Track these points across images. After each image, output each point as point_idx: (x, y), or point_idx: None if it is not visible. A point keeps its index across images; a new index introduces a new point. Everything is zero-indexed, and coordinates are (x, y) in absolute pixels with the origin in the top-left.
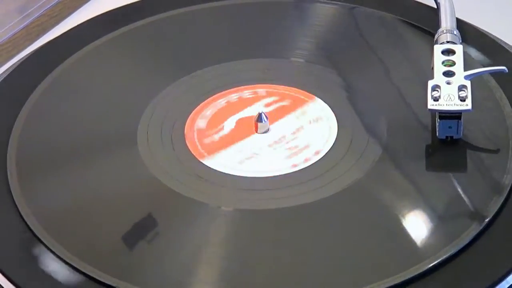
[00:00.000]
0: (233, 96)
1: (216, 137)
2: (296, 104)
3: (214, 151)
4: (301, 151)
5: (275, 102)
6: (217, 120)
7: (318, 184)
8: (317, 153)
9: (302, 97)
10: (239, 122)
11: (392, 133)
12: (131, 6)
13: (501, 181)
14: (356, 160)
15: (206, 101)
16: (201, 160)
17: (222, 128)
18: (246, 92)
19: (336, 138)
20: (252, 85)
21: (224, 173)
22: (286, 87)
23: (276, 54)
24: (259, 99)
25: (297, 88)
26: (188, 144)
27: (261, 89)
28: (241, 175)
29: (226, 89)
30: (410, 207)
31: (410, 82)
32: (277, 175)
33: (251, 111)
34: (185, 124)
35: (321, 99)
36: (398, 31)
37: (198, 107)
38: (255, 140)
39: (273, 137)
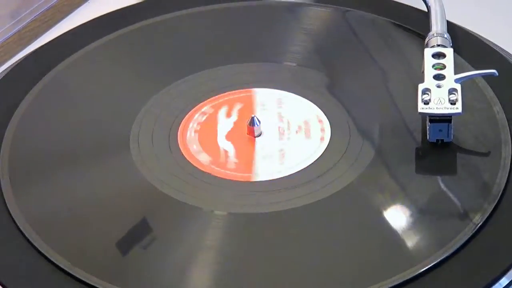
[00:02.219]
0: (193, 125)
1: (233, 158)
2: (248, 102)
3: (250, 168)
4: (308, 126)
5: (231, 109)
6: (212, 148)
7: (311, 189)
8: (320, 121)
9: (243, 94)
10: (229, 138)
11: (384, 137)
12: (123, 11)
13: (492, 185)
14: (348, 164)
15: (180, 126)
16: (253, 180)
17: (227, 150)
18: (198, 116)
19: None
20: (196, 107)
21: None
22: (222, 94)
23: (269, 58)
24: (216, 115)
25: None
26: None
27: (206, 107)
28: (289, 173)
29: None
30: (401, 212)
31: (402, 85)
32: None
33: (225, 126)
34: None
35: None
36: (390, 35)
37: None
38: (263, 142)
39: (274, 132)
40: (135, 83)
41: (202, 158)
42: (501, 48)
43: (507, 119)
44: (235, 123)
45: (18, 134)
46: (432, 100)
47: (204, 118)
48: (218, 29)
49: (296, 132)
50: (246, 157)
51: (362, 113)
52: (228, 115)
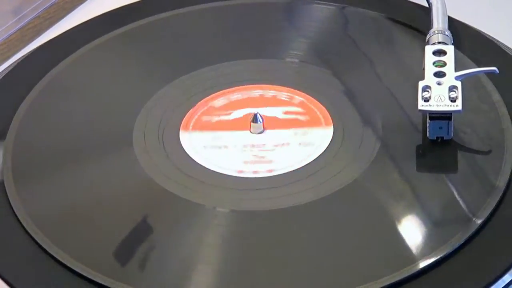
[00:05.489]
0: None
1: (215, 119)
2: (309, 123)
3: (198, 129)
4: (263, 163)
5: (296, 113)
6: (231, 106)
7: (313, 186)
8: (270, 171)
9: (321, 118)
10: (247, 115)
11: (386, 134)
12: (125, 8)
13: (494, 183)
14: (349, 162)
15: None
16: (181, 132)
17: (230, 114)
18: (283, 94)
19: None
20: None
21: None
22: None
23: (271, 55)
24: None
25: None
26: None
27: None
28: (200, 162)
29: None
30: (402, 209)
31: (403, 82)
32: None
33: (268, 111)
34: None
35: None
36: (391, 31)
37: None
38: (242, 136)
39: (257, 141)
40: (138, 80)
41: (216, 102)
42: (504, 44)
43: (510, 116)
44: (255, 114)
45: (21, 131)
46: (432, 97)
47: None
48: (220, 27)
49: (253, 155)
50: (217, 127)
51: (363, 110)
52: (287, 112)
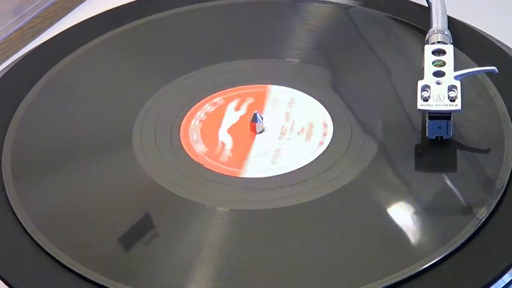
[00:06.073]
0: (200, 114)
1: (228, 152)
2: (260, 97)
3: (241, 163)
4: (311, 129)
5: (240, 103)
6: (210, 139)
7: (312, 185)
8: (325, 125)
9: (258, 89)
10: (231, 131)
11: (385, 133)
12: (125, 7)
13: (496, 180)
14: (349, 161)
15: (187, 113)
16: (240, 176)
17: (224, 143)
18: (207, 106)
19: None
20: (208, 97)
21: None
22: (236, 87)
23: (271, 54)
24: (224, 107)
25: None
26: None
27: (217, 99)
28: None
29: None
30: (404, 208)
31: (403, 81)
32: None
33: (231, 119)
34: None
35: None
36: (391, 31)
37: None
38: (262, 140)
39: (275, 131)
40: (138, 80)
41: (198, 148)
42: (504, 44)
43: (509, 115)
44: (241, 117)
45: (21, 130)
46: (431, 97)
47: (213, 108)
48: (219, 26)
49: (298, 133)
50: (241, 153)
51: (363, 109)
52: (237, 108)
